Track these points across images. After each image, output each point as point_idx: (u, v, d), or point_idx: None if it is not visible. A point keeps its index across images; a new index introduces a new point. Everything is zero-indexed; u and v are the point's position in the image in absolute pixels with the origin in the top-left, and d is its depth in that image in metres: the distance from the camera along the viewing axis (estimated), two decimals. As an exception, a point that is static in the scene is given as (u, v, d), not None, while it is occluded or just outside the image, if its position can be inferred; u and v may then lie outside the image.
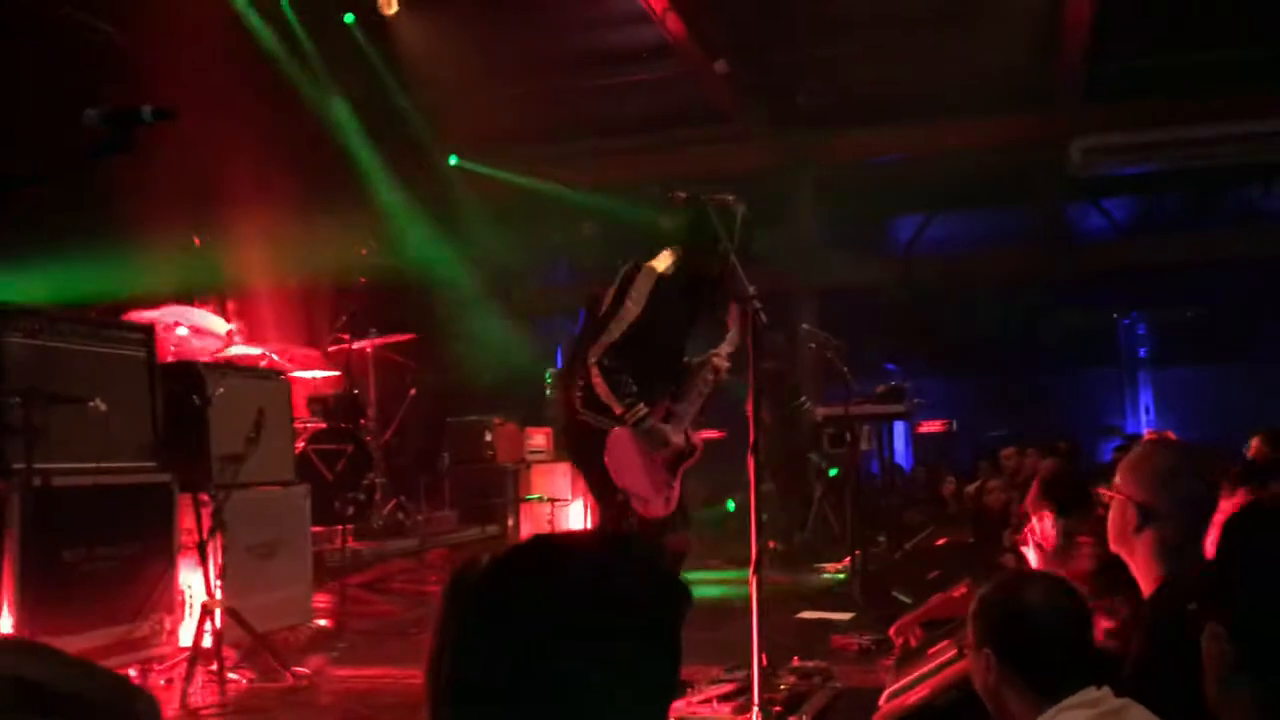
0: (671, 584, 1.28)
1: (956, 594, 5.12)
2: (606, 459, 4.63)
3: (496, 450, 8.99)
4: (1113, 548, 2.78)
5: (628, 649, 1.21)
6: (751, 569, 3.90)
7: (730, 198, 4.39)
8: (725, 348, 5.03)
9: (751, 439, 3.90)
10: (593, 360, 4.64)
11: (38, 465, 4.44)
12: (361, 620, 6.43)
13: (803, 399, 8.62)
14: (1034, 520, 3.55)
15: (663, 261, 4.72)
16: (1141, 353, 16.11)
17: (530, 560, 1.27)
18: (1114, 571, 2.98)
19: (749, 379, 3.99)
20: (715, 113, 11.86)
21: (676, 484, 4.69)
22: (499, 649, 1.20)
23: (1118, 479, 2.73)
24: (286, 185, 8.24)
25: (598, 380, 4.60)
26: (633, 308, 4.62)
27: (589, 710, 1.19)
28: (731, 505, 9.81)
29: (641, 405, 4.58)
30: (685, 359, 4.91)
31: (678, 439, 4.67)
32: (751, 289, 3.95)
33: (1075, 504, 3.49)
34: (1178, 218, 14.80)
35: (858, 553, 7.36)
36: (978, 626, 2.34)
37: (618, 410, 4.58)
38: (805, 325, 8.33)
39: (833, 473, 9.10)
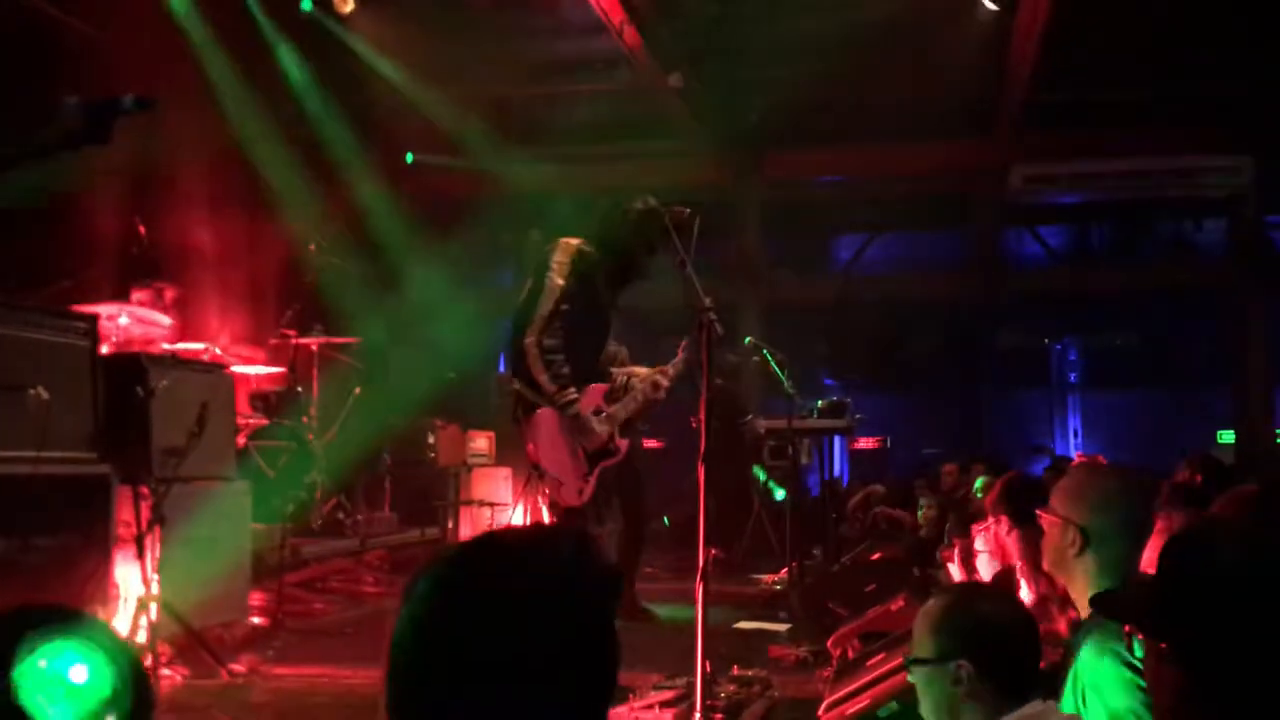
0: (606, 575, 1.33)
1: (894, 607, 5.21)
2: (530, 435, 4.71)
3: (438, 452, 8.96)
4: (1048, 569, 2.84)
5: (570, 640, 1.25)
6: (698, 577, 3.95)
7: (686, 210, 4.44)
8: (671, 370, 5.13)
9: (702, 448, 3.95)
10: (529, 340, 4.71)
11: (-28, 453, 4.36)
12: (298, 619, 6.38)
13: (748, 416, 8.71)
14: (990, 524, 3.63)
15: (576, 240, 4.84)
16: (1072, 377, 16.48)
17: (477, 558, 1.32)
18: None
19: (701, 390, 4.03)
20: (666, 126, 11.94)
21: (593, 479, 4.75)
22: (446, 643, 1.24)
23: (1054, 502, 2.78)
24: (234, 176, 8.16)
25: (534, 357, 4.67)
26: (556, 278, 4.73)
27: (532, 700, 1.23)
28: (666, 521, 9.86)
29: (571, 390, 4.65)
30: (622, 358, 4.97)
31: (602, 432, 4.72)
32: (707, 300, 4.00)
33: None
34: (1111, 247, 15.19)
35: (795, 564, 7.45)
36: (943, 639, 2.31)
37: (549, 389, 4.65)
38: (749, 339, 8.40)
39: (780, 495, 9.19)
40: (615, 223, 4.90)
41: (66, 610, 1.22)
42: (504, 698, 1.22)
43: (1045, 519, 2.70)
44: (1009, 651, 2.28)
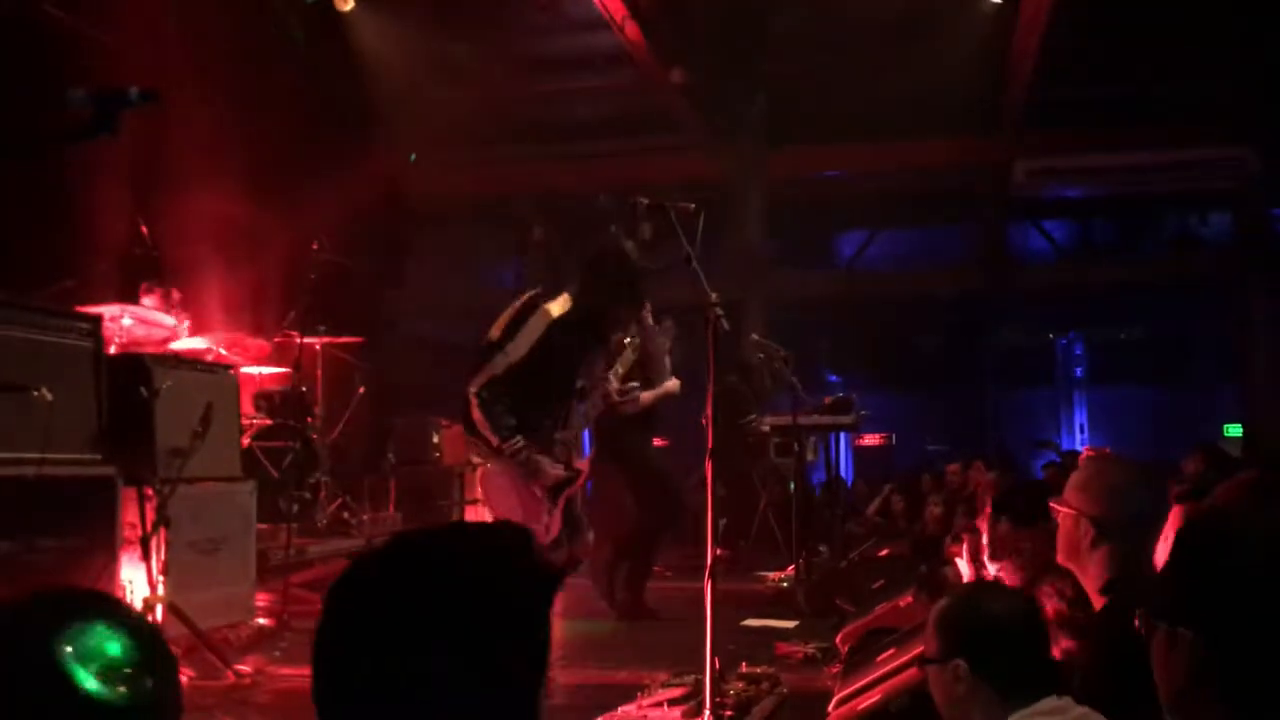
0: (532, 571, 1.32)
1: (902, 603, 5.20)
2: (480, 492, 4.76)
3: (443, 452, 8.94)
4: (1061, 561, 2.83)
5: (492, 637, 1.24)
6: (706, 574, 3.93)
7: (691, 205, 4.42)
8: (615, 383, 5.14)
9: (710, 444, 3.93)
10: (471, 390, 4.68)
11: (-21, 454, 4.35)
12: (304, 619, 6.34)
13: (753, 416, 8.68)
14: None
15: (559, 305, 4.80)
16: (1078, 372, 16.44)
17: (392, 559, 1.31)
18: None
19: (708, 386, 4.02)
20: (668, 122, 11.92)
21: (558, 512, 4.76)
22: (367, 646, 1.24)
23: (1068, 494, 2.77)
24: (238, 175, 8.15)
25: (475, 412, 4.64)
26: (521, 347, 4.67)
27: (458, 697, 1.22)
28: None
29: (519, 439, 4.62)
30: (577, 386, 4.96)
31: (555, 471, 4.73)
32: (714, 295, 3.99)
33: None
34: (1117, 242, 15.15)
35: (802, 562, 7.42)
36: (945, 638, 2.33)
37: (494, 442, 4.63)
38: (755, 335, 8.38)
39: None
40: (589, 287, 4.85)
41: (90, 590, 1.39)
42: (426, 694, 1.22)
43: (1059, 511, 2.69)
44: (1009, 650, 2.28)
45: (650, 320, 3.98)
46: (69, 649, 1.30)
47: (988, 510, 3.79)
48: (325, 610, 1.29)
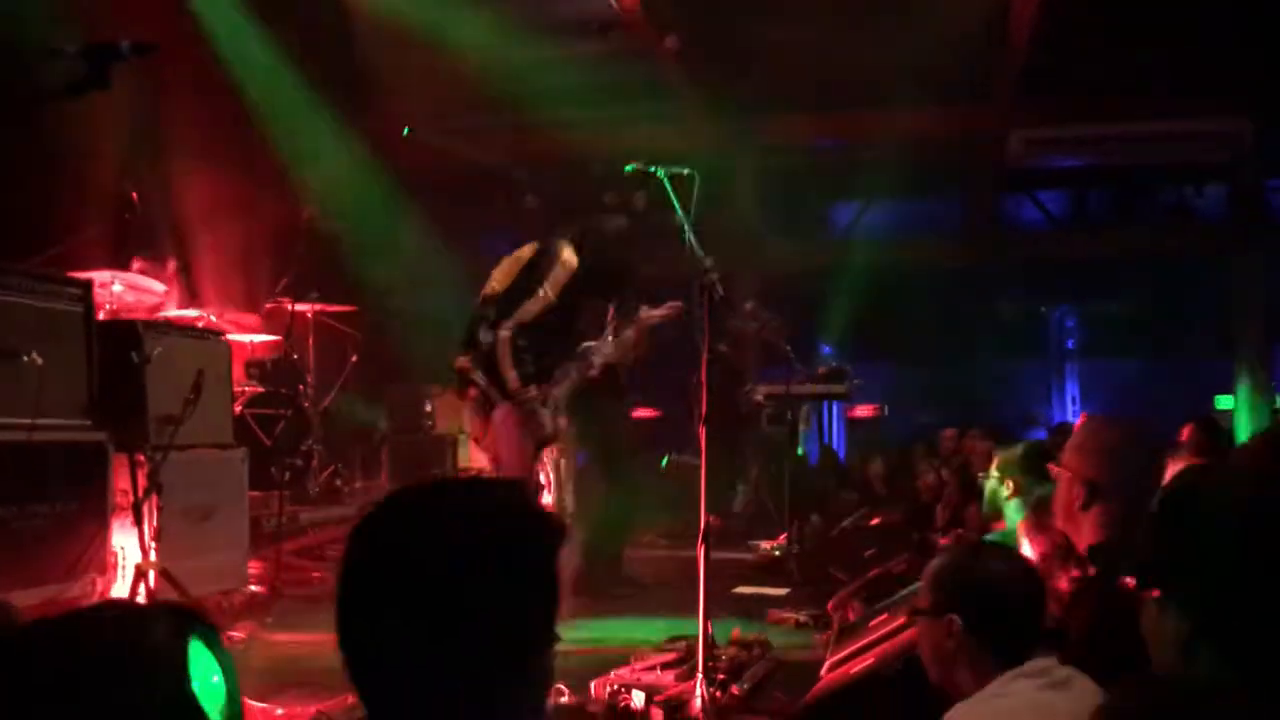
0: (538, 518, 1.36)
1: (895, 569, 5.23)
2: (491, 429, 4.91)
3: (435, 420, 8.93)
4: (1059, 524, 2.84)
5: (501, 584, 1.28)
6: (700, 539, 3.93)
7: (685, 171, 4.40)
8: (598, 358, 5.15)
9: (704, 410, 3.92)
10: (504, 334, 4.86)
11: (-31, 419, 4.33)
12: (296, 587, 6.37)
13: (748, 386, 8.67)
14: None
15: (567, 250, 4.98)
16: (1070, 344, 16.46)
17: (410, 505, 1.36)
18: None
19: (702, 352, 4.00)
20: (661, 90, 11.84)
21: (541, 467, 4.93)
22: (382, 595, 1.29)
23: (1065, 456, 2.78)
24: (229, 140, 8.08)
25: (504, 353, 4.80)
26: (550, 293, 4.88)
27: (470, 643, 1.26)
28: (664, 461, 9.79)
29: (533, 388, 4.82)
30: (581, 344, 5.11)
31: (548, 423, 4.92)
32: (708, 261, 3.97)
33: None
34: (1111, 213, 15.11)
35: (794, 530, 7.44)
36: (939, 593, 2.35)
37: (512, 385, 4.78)
38: (749, 303, 8.36)
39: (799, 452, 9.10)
40: (597, 248, 5.07)
41: (197, 613, 1.34)
42: (444, 632, 1.25)
43: (1056, 472, 2.70)
44: (1002, 609, 2.29)
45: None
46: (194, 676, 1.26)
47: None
48: (346, 554, 1.34)
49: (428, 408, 8.87)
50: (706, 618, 3.90)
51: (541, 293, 4.87)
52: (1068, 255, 14.73)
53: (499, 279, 5.03)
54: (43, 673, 1.16)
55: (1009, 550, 2.56)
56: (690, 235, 4.12)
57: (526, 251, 5.04)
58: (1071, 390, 16.32)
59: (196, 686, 1.25)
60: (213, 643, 1.33)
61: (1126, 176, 14.03)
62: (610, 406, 6.53)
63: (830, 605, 5.20)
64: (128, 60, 1.86)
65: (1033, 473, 3.72)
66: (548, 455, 5.03)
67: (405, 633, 1.26)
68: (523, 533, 1.32)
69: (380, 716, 1.30)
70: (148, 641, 1.24)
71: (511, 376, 4.81)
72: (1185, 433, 5.94)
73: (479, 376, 4.98)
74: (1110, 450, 2.68)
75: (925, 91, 11.31)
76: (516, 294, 4.91)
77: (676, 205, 4.25)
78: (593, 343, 5.38)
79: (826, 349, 14.99)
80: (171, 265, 6.90)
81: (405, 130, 10.61)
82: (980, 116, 12.33)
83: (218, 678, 1.33)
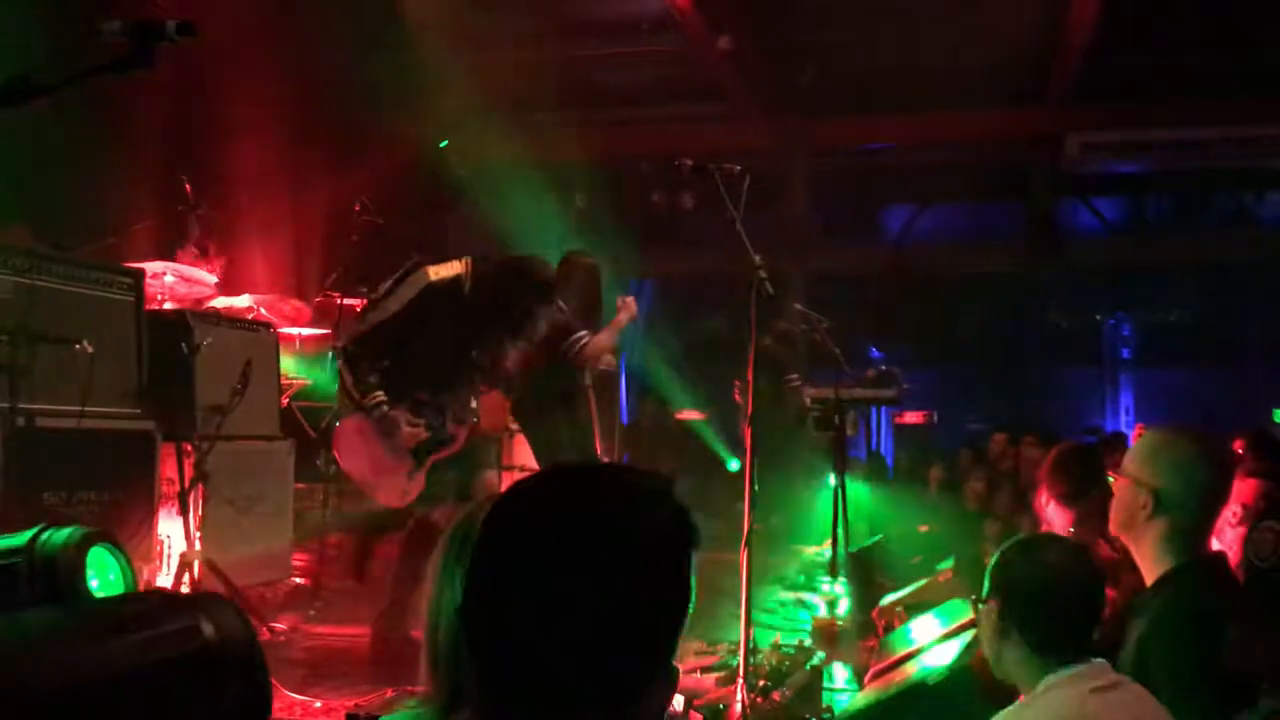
0: (686, 521, 1.29)
1: (941, 578, 5.13)
2: (334, 444, 4.87)
3: (480, 417, 8.91)
4: (1114, 532, 2.76)
5: (627, 578, 1.22)
6: (743, 543, 3.88)
7: (736, 168, 4.34)
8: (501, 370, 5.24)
9: (749, 409, 3.87)
10: (338, 344, 4.87)
11: (21, 405, 4.38)
12: (339, 579, 6.38)
13: (793, 376, 8.57)
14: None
15: (443, 270, 4.84)
16: (1124, 353, 16.16)
17: (536, 490, 1.30)
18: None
19: (750, 351, 3.95)
20: (714, 90, 11.78)
21: (421, 474, 4.79)
22: (498, 575, 1.23)
23: (1127, 462, 2.70)
24: (283, 136, 8.14)
25: (341, 365, 4.78)
26: (391, 306, 4.76)
27: (589, 636, 1.20)
28: (733, 464, 9.72)
29: (379, 393, 4.69)
30: (465, 365, 5.02)
31: (413, 430, 4.77)
32: (757, 258, 3.91)
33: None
34: (1168, 220, 14.83)
35: (840, 535, 7.34)
36: (992, 577, 2.37)
37: (355, 396, 4.72)
38: (797, 305, 8.27)
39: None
40: (503, 275, 4.99)
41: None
42: (578, 628, 1.20)
43: (1117, 480, 2.62)
44: (1040, 604, 2.28)
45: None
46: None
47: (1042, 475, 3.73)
48: (483, 532, 1.28)
49: (473, 404, 8.85)
50: (748, 623, 3.84)
51: (387, 305, 4.80)
52: (1123, 262, 14.46)
53: (382, 288, 5.00)
54: None
55: (1078, 547, 2.50)
56: (741, 230, 4.07)
57: (407, 265, 4.99)
58: (1125, 400, 16.02)
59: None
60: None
61: (1183, 182, 13.76)
62: (554, 410, 6.44)
63: (875, 612, 5.12)
64: (173, 41, 1.84)
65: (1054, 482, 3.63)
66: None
67: (532, 637, 1.21)
68: (667, 536, 1.27)
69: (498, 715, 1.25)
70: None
71: (350, 388, 4.76)
72: (1236, 445, 5.79)
73: (340, 397, 4.97)
74: (1178, 460, 2.60)
75: (981, 95, 11.16)
76: (376, 304, 4.89)
77: (728, 202, 4.19)
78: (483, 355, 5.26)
79: (876, 353, 14.85)
80: (218, 256, 6.94)
81: (443, 143, 10.67)
82: (1036, 120, 12.16)
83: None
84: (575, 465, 1.38)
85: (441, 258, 5.01)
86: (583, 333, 5.87)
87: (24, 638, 1.13)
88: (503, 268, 4.98)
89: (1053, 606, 2.26)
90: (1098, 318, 16.18)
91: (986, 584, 2.37)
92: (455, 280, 4.85)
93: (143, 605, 1.24)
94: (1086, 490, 3.59)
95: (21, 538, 1.84)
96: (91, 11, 1.83)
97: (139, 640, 1.13)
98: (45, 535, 1.84)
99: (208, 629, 1.18)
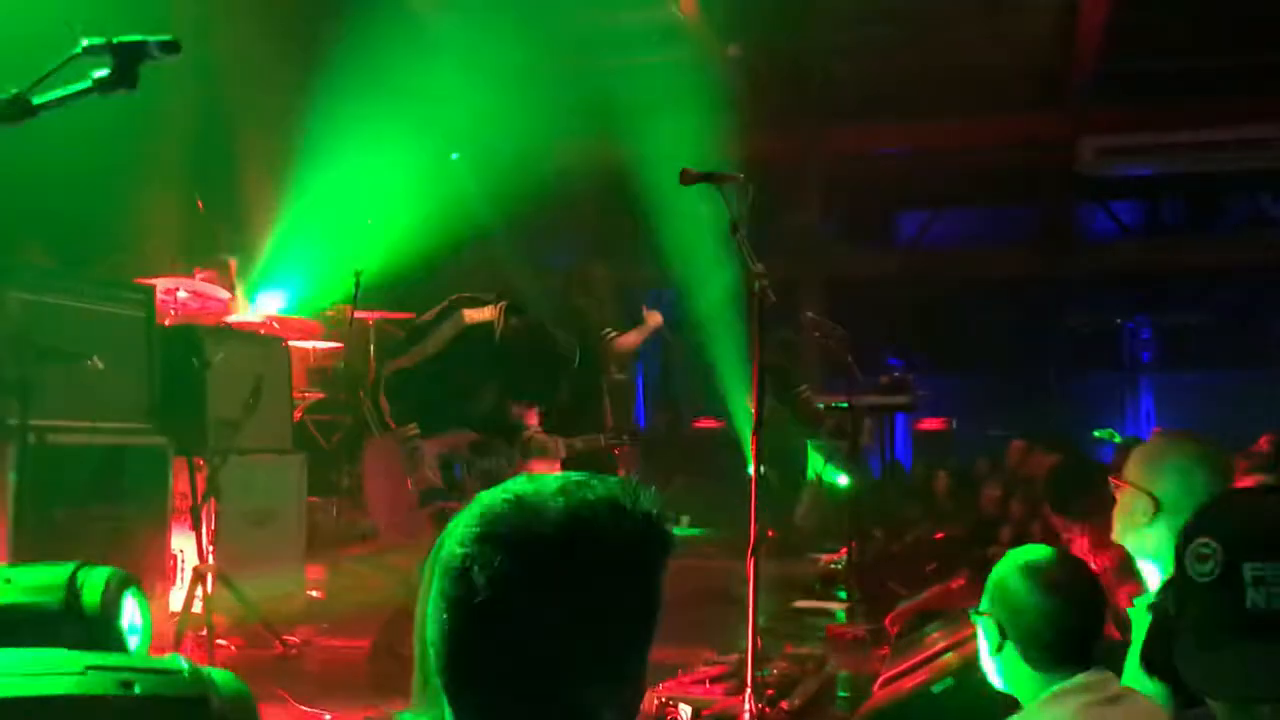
0: (657, 530, 1.29)
1: (954, 586, 5.11)
2: (363, 465, 5.08)
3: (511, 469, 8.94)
4: (1117, 539, 2.74)
5: (595, 589, 1.22)
6: (749, 551, 3.86)
7: (739, 175, 4.33)
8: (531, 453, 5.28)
9: (755, 418, 3.86)
10: (385, 373, 5.03)
11: (33, 422, 4.40)
12: (353, 593, 6.39)
13: (802, 387, 8.55)
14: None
15: (477, 315, 5.08)
16: (1145, 357, 16.05)
17: (508, 498, 1.28)
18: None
19: (754, 359, 3.94)
20: (724, 99, 11.78)
21: (426, 521, 4.84)
22: (461, 591, 1.22)
23: (1129, 470, 2.69)
24: (293, 149, 8.19)
25: (382, 394, 4.94)
26: (432, 345, 4.97)
27: (556, 649, 1.20)
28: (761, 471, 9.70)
29: (414, 426, 4.84)
30: (498, 407, 5.18)
31: (432, 475, 4.87)
32: (759, 267, 3.90)
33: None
34: (1186, 222, 14.74)
35: (854, 544, 7.31)
36: (989, 591, 2.36)
37: (390, 423, 4.89)
38: (809, 313, 8.25)
39: (842, 481, 8.98)
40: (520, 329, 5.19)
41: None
42: (544, 641, 1.21)
43: (1118, 487, 2.61)
44: (1040, 618, 2.26)
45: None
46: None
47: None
48: (446, 547, 1.27)
49: (504, 461, 8.88)
50: (755, 631, 3.82)
51: (429, 342, 5.02)
52: (1142, 265, 14.37)
53: (421, 318, 5.23)
54: None
55: (1074, 559, 2.49)
56: (743, 239, 4.06)
57: (446, 301, 5.20)
58: (1146, 404, 15.90)
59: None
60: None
61: (1201, 185, 13.66)
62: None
63: (888, 620, 5.09)
64: (155, 59, 1.85)
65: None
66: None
67: (505, 643, 1.21)
68: (638, 544, 1.27)
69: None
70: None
71: (386, 411, 4.93)
72: (1261, 442, 5.74)
73: (365, 405, 5.19)
74: (1177, 465, 2.59)
75: (994, 99, 11.13)
76: (418, 336, 5.08)
77: (730, 211, 4.18)
78: (542, 437, 5.46)
79: (894, 360, 14.80)
80: (234, 272, 7.00)
81: (454, 155, 10.70)
82: (1050, 124, 12.10)
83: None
84: (544, 477, 1.38)
85: (476, 297, 5.22)
86: (610, 329, 6.01)
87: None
88: (529, 331, 5.20)
89: (1049, 620, 2.25)
90: (1117, 322, 16.08)
91: (984, 598, 2.36)
92: (488, 326, 5.09)
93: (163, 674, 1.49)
94: (1084, 500, 3.57)
95: (58, 575, 1.82)
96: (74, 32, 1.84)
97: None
98: (82, 575, 1.82)
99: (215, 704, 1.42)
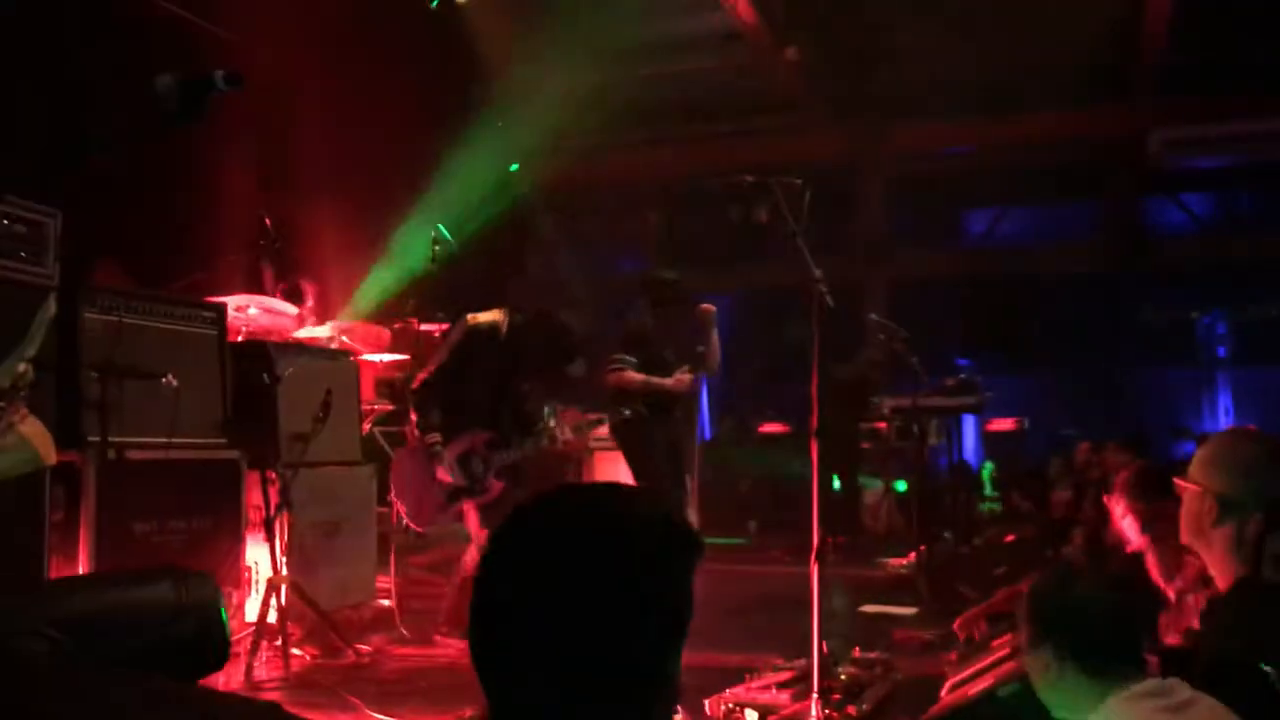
0: (679, 532, 1.34)
1: (1024, 588, 5.03)
2: (391, 469, 5.52)
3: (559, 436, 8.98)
4: (1185, 540, 2.70)
5: (632, 585, 1.27)
6: (812, 556, 3.86)
7: (797, 180, 4.33)
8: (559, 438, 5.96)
9: (814, 422, 3.85)
10: (412, 387, 5.46)
11: (112, 439, 4.54)
12: (422, 600, 6.47)
13: (875, 399, 8.49)
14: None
15: (482, 317, 5.46)
16: (1221, 352, 15.67)
17: (550, 503, 1.36)
18: None
19: (813, 361, 3.93)
20: (784, 101, 11.76)
21: (451, 509, 5.39)
22: (515, 577, 1.29)
23: (1194, 470, 2.64)
24: (360, 163, 8.32)
25: (411, 404, 5.40)
26: (440, 354, 5.43)
27: (587, 653, 1.25)
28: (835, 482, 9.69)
29: (437, 435, 5.30)
30: (520, 399, 5.60)
31: (454, 477, 5.33)
32: (818, 272, 3.90)
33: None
34: (1259, 213, 14.37)
35: (924, 548, 7.25)
36: (1034, 625, 2.33)
37: (415, 432, 5.36)
38: (873, 315, 8.19)
39: (900, 486, 8.93)
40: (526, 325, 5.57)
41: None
42: (574, 643, 1.25)
43: (1184, 488, 2.56)
44: (1093, 634, 2.25)
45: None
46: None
47: (1117, 489, 3.65)
48: (483, 558, 1.35)
49: (551, 424, 8.93)
50: (821, 636, 3.81)
51: (439, 352, 5.45)
52: (1215, 258, 14.04)
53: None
54: None
55: (1097, 572, 2.48)
56: (801, 244, 4.06)
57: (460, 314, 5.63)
58: (1224, 400, 15.53)
59: None
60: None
61: (1274, 174, 13.30)
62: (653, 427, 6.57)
63: (957, 624, 5.03)
64: (223, 92, 1.92)
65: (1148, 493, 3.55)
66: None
67: (533, 644, 1.26)
68: (659, 546, 1.31)
69: None
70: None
71: (414, 420, 5.38)
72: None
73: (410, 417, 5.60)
74: (1247, 466, 2.53)
75: (1060, 93, 10.96)
76: (435, 350, 5.56)
77: (788, 216, 4.19)
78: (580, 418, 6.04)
79: (963, 361, 14.63)
80: (311, 293, 7.16)
81: (513, 166, 10.82)
82: (1117, 118, 11.89)
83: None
84: (576, 486, 1.45)
85: (523, 302, 5.61)
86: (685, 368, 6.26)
87: None
88: (533, 325, 5.52)
89: (1105, 635, 2.24)
90: (1192, 316, 15.73)
91: (1032, 632, 2.33)
92: (493, 326, 5.45)
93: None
94: (1156, 501, 3.51)
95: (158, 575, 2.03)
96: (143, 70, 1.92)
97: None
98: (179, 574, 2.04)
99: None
